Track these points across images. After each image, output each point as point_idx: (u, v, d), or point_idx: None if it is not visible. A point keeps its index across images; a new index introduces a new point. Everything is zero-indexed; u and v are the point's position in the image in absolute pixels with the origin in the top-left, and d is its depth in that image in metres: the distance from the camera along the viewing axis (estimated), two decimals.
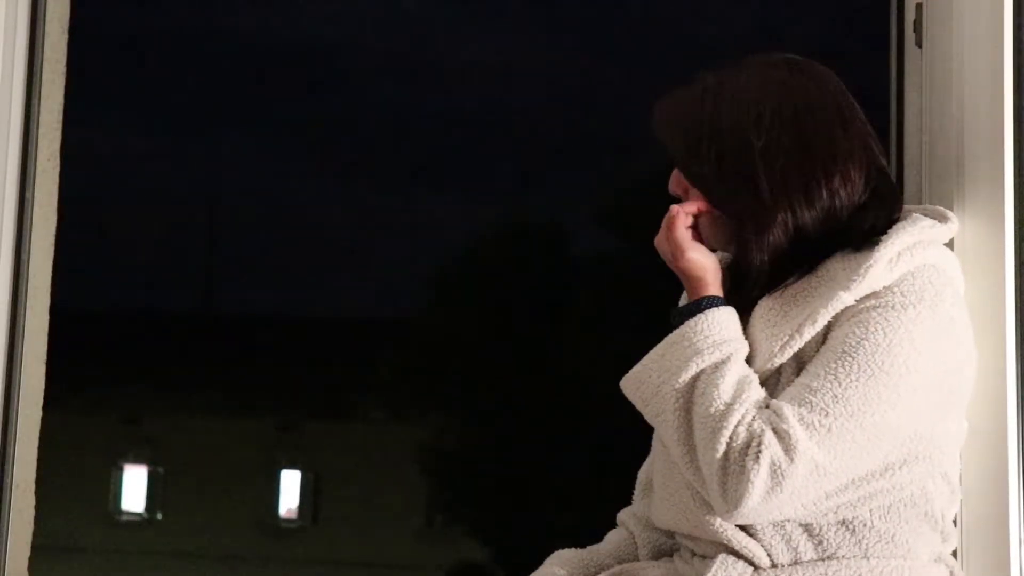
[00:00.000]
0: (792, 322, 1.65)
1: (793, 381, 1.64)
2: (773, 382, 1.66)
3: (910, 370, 1.59)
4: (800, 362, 1.65)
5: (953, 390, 1.67)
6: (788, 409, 1.57)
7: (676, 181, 1.76)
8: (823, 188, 1.67)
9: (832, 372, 1.58)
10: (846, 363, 1.58)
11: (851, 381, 1.57)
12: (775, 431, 1.55)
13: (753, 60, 1.74)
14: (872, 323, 1.59)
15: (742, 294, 1.72)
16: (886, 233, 1.65)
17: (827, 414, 1.56)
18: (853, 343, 1.59)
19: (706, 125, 1.69)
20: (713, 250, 1.76)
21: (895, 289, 1.62)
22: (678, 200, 1.76)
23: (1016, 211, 1.91)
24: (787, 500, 1.57)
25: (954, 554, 1.79)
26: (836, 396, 1.57)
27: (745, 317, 1.71)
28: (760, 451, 1.55)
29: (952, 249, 1.79)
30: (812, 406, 1.57)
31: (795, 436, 1.55)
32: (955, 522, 1.77)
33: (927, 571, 1.67)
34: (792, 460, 1.54)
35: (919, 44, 2.03)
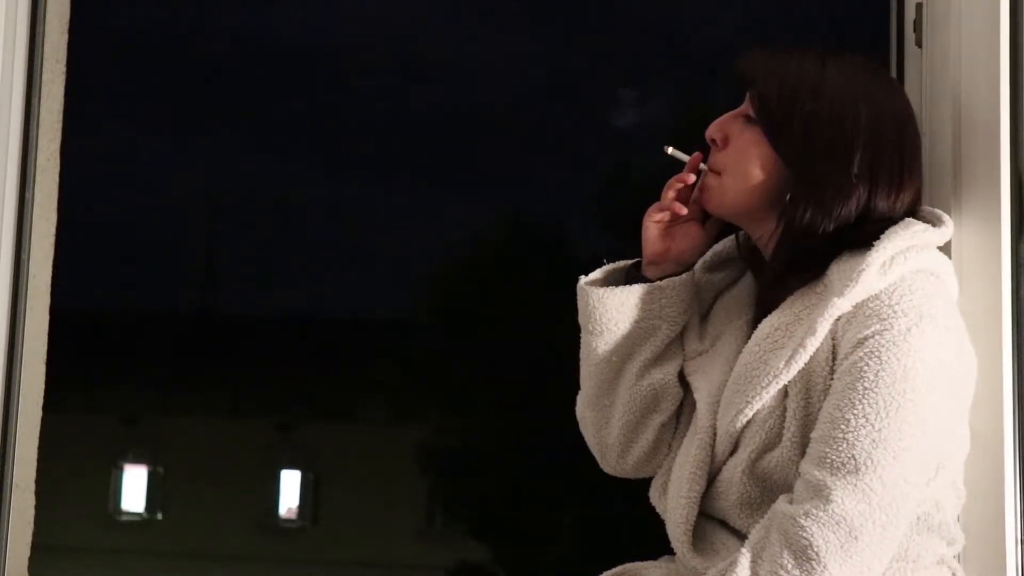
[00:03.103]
0: (795, 338, 1.64)
1: (802, 405, 1.63)
2: (779, 405, 1.65)
3: (928, 390, 1.58)
4: (808, 382, 1.64)
5: (961, 398, 1.67)
6: (837, 493, 1.56)
7: (720, 126, 1.74)
8: (902, 192, 1.68)
9: (862, 414, 1.57)
10: (871, 399, 1.57)
11: (881, 418, 1.56)
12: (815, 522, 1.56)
13: (852, 54, 1.75)
14: (884, 352, 1.58)
15: (784, 274, 1.71)
16: (878, 238, 1.65)
17: (874, 465, 1.55)
18: (871, 377, 1.57)
19: (814, 82, 1.68)
20: (719, 213, 1.76)
21: (892, 302, 1.61)
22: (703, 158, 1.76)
23: (1012, 212, 1.91)
24: (873, 559, 1.57)
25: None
26: (875, 440, 1.56)
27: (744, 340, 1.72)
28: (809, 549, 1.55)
29: (948, 249, 1.79)
30: (857, 464, 1.55)
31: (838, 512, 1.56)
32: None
33: (928, 573, 1.67)
34: (857, 539, 1.55)
35: (919, 44, 2.03)
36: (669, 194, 1.78)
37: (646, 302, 1.77)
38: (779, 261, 1.69)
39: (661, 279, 1.78)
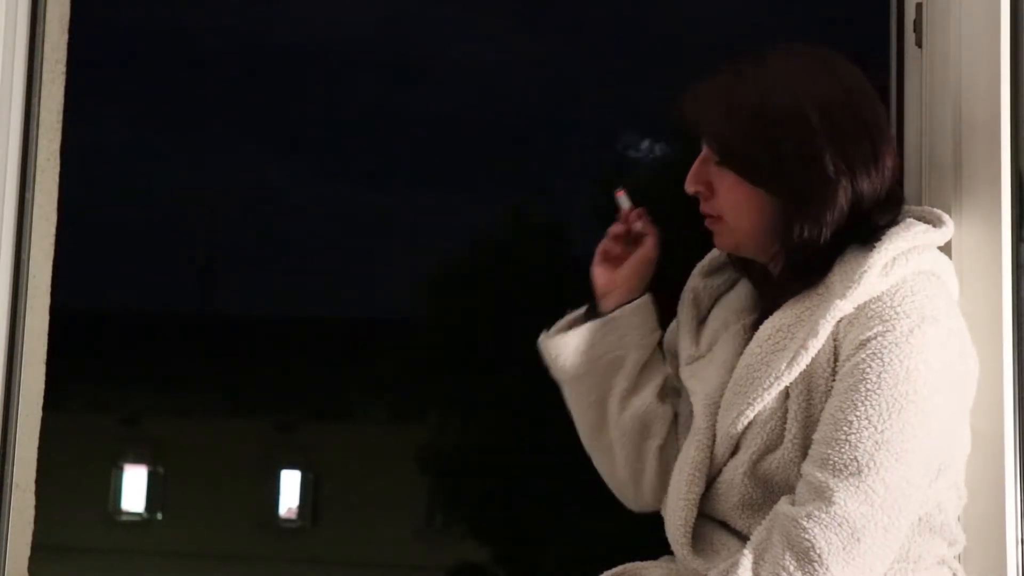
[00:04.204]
0: (797, 339, 1.64)
1: (804, 406, 1.63)
2: (780, 406, 1.65)
3: (931, 391, 1.58)
4: (810, 384, 1.63)
5: (963, 399, 1.67)
6: (839, 494, 1.55)
7: (697, 177, 1.72)
8: (881, 162, 1.67)
9: (864, 415, 1.57)
10: (873, 401, 1.57)
11: (884, 420, 1.56)
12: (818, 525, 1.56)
13: (785, 49, 1.72)
14: (887, 353, 1.58)
15: (781, 286, 1.71)
16: (880, 239, 1.65)
17: (876, 467, 1.55)
18: (874, 378, 1.57)
19: (756, 108, 1.66)
20: (736, 251, 1.76)
21: (894, 303, 1.61)
22: (695, 200, 1.75)
23: (1013, 212, 1.91)
24: (875, 561, 1.57)
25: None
26: (877, 442, 1.56)
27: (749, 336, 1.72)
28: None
29: (949, 250, 1.79)
30: (859, 466, 1.55)
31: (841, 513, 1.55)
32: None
33: (929, 574, 1.67)
34: (860, 540, 1.55)
35: (919, 44, 2.03)
36: (606, 241, 1.86)
37: (605, 335, 1.82)
38: (787, 275, 1.69)
39: (616, 311, 1.83)
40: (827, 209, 1.64)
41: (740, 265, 1.81)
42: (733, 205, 1.70)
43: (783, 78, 1.67)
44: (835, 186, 1.64)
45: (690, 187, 1.73)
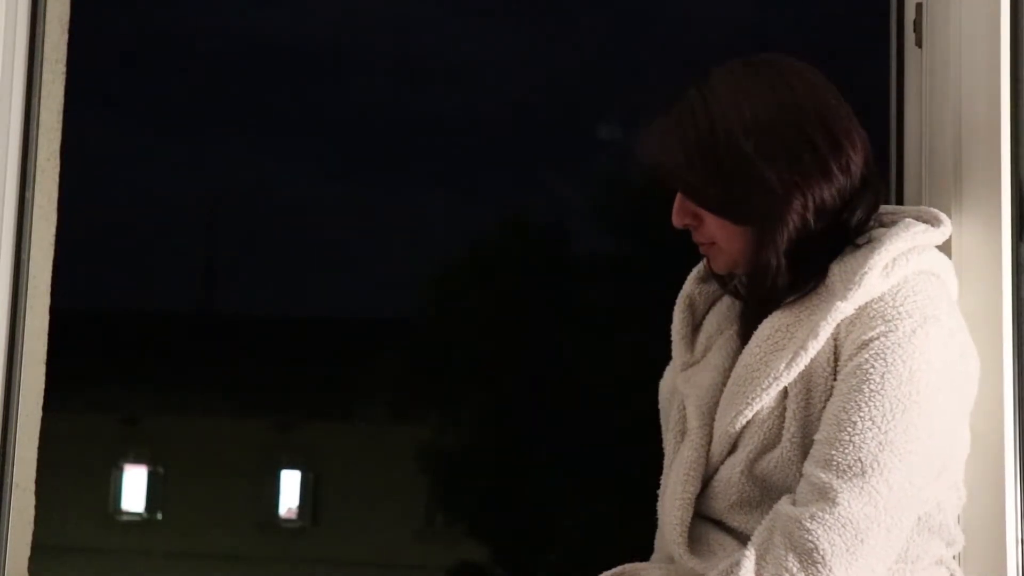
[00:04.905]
0: (796, 340, 1.64)
1: (803, 406, 1.63)
2: (778, 406, 1.65)
3: (934, 391, 1.58)
4: (809, 383, 1.64)
5: (964, 399, 1.67)
6: (842, 495, 1.55)
7: (680, 211, 1.73)
8: (842, 159, 1.65)
9: (868, 416, 1.57)
10: (877, 402, 1.57)
11: (888, 420, 1.56)
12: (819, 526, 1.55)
13: (732, 64, 1.71)
14: (890, 353, 1.58)
15: (758, 304, 1.71)
16: (875, 238, 1.64)
17: (880, 467, 1.55)
18: (877, 379, 1.57)
19: (695, 143, 1.66)
20: (734, 271, 1.75)
21: (896, 303, 1.61)
22: (687, 231, 1.75)
23: (1013, 212, 1.91)
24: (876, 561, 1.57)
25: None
26: (881, 443, 1.56)
27: (748, 335, 1.71)
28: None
29: (948, 250, 1.79)
30: (863, 467, 1.55)
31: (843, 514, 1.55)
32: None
33: (927, 574, 1.67)
34: (863, 541, 1.55)
35: (919, 44, 2.03)
36: None
37: None
38: (783, 294, 1.69)
39: None
40: (784, 228, 1.64)
41: (723, 282, 1.81)
42: (723, 234, 1.71)
43: (715, 107, 1.66)
44: (788, 203, 1.63)
45: (677, 222, 1.73)
